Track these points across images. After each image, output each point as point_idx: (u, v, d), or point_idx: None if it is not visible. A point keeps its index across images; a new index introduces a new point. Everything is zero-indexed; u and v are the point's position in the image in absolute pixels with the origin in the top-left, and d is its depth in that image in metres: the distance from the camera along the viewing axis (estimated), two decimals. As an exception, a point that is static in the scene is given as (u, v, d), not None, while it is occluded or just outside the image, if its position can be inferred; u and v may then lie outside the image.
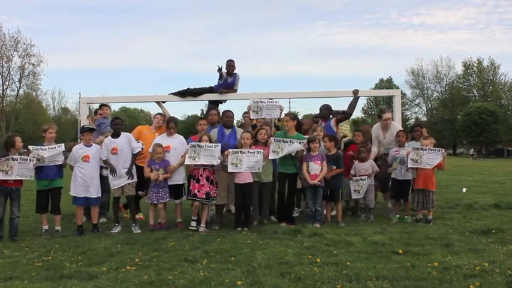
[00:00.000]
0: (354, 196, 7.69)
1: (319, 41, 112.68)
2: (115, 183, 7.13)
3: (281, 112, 8.11)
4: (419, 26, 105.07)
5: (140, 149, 7.34)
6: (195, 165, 6.91)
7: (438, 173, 7.77)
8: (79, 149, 7.08)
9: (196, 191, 6.86)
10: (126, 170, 7.10)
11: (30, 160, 6.59)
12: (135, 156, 7.24)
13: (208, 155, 6.81)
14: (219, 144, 6.93)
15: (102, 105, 8.65)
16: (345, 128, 8.88)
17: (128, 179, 7.12)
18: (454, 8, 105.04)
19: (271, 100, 8.19)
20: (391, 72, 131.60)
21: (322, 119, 8.30)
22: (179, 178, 7.33)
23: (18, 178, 6.56)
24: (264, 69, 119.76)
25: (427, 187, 7.24)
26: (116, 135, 7.25)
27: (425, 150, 7.21)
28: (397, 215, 7.52)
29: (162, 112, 8.55)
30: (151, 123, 8.40)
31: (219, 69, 8.71)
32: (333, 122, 8.12)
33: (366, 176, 7.57)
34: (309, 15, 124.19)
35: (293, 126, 7.35)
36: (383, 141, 8.06)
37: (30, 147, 6.87)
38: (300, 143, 7.05)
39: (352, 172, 7.71)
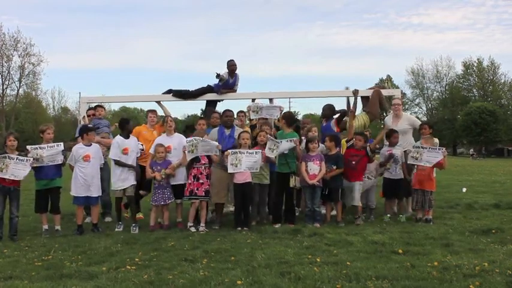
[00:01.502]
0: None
1: (319, 41, 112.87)
2: (120, 184, 7.14)
3: (281, 112, 8.12)
4: (419, 26, 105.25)
5: (141, 151, 7.47)
6: (196, 164, 6.94)
7: (438, 172, 7.79)
8: (79, 148, 7.05)
9: (196, 189, 6.88)
10: (131, 171, 7.19)
11: (27, 160, 6.54)
12: (137, 159, 7.35)
13: (206, 145, 6.90)
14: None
15: (97, 106, 8.63)
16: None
17: (131, 180, 7.19)
18: (453, 7, 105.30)
19: (271, 102, 8.21)
20: (391, 72, 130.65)
21: (324, 119, 8.31)
22: (181, 178, 7.31)
23: (12, 178, 6.47)
24: (264, 69, 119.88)
25: (423, 187, 7.24)
26: (127, 136, 7.32)
27: (426, 148, 7.23)
28: (389, 215, 7.53)
29: (158, 110, 8.57)
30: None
31: (218, 76, 8.71)
32: (333, 122, 8.12)
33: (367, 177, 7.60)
34: (308, 15, 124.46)
35: (284, 125, 7.41)
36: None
37: (28, 147, 6.83)
38: (289, 140, 7.09)
39: None
